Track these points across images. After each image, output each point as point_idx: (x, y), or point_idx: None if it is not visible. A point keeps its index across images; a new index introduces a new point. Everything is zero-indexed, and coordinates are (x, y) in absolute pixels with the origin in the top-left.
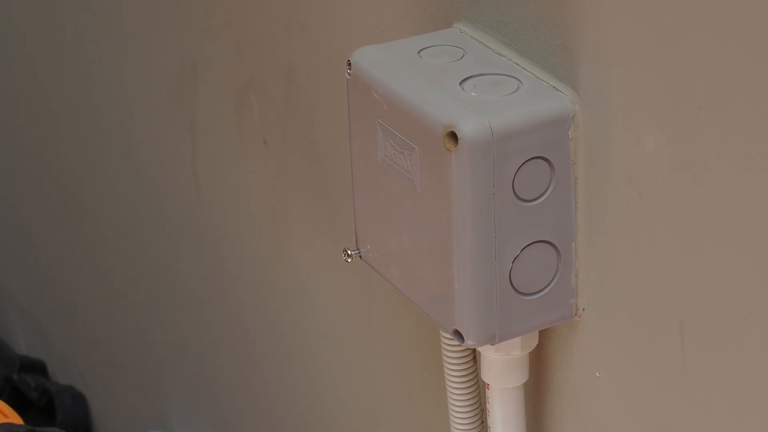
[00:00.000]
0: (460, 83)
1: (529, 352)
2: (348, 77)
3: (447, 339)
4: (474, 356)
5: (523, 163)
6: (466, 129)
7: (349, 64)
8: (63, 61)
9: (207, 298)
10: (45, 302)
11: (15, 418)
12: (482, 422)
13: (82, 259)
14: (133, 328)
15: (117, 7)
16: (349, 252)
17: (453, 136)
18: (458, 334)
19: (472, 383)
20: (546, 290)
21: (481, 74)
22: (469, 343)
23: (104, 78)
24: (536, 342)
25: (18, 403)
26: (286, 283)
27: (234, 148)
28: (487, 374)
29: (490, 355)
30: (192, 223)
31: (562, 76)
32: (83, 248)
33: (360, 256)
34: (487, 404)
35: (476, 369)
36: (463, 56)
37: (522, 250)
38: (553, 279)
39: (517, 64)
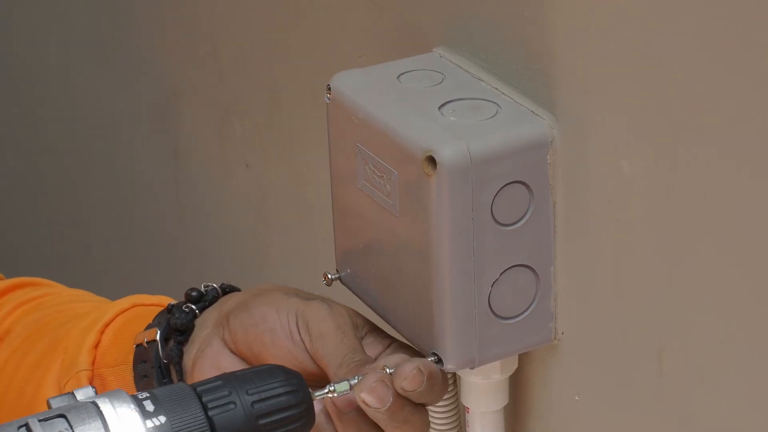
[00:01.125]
0: (439, 108)
1: (509, 376)
2: (327, 101)
3: None
4: (454, 380)
5: (502, 188)
6: (445, 154)
7: (329, 89)
8: (47, 86)
9: None
10: None
11: None
12: None
13: (66, 283)
14: None
15: (101, 33)
16: (329, 276)
17: (432, 160)
18: (438, 358)
19: (452, 407)
20: (525, 314)
21: (460, 99)
22: (449, 367)
23: (88, 103)
24: (516, 366)
25: None
26: None
27: (217, 172)
28: (467, 398)
29: (470, 378)
30: (175, 246)
31: (540, 100)
32: (67, 272)
33: (340, 280)
34: (467, 428)
35: (456, 393)
36: (442, 81)
37: (501, 274)
38: (532, 303)
39: (496, 88)
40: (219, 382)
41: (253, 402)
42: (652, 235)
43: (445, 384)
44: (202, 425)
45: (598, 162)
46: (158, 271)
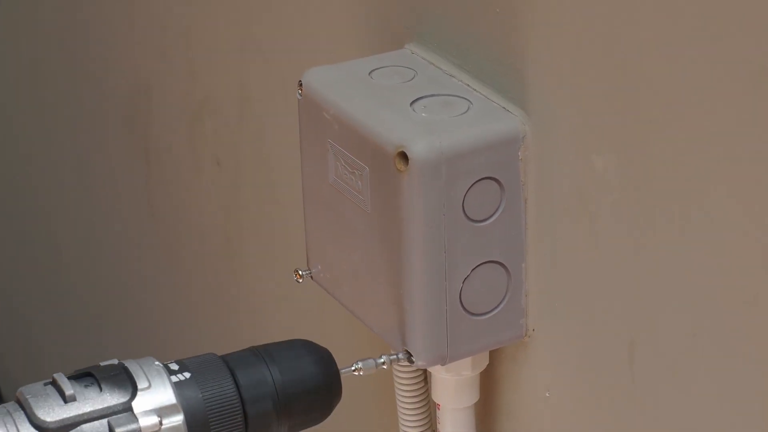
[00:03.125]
0: (411, 104)
1: (480, 373)
2: (299, 98)
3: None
4: (425, 376)
5: (473, 184)
6: (417, 149)
7: (301, 85)
8: (18, 85)
9: (162, 320)
10: (0, 328)
11: None
12: None
13: (36, 284)
14: (88, 352)
15: (71, 30)
16: (300, 272)
17: (403, 156)
18: (408, 355)
19: (423, 403)
20: (496, 311)
21: (432, 95)
22: (420, 363)
23: (59, 101)
24: (487, 362)
25: None
26: (239, 302)
27: (188, 169)
28: (438, 394)
29: (440, 375)
30: (146, 244)
31: (512, 97)
32: (38, 272)
33: (311, 277)
34: (437, 425)
35: (427, 389)
36: (413, 77)
37: (472, 270)
38: (503, 299)
39: (468, 85)
40: (249, 356)
41: (284, 376)
42: (623, 230)
43: None
44: (232, 396)
45: (569, 158)
46: (129, 270)
